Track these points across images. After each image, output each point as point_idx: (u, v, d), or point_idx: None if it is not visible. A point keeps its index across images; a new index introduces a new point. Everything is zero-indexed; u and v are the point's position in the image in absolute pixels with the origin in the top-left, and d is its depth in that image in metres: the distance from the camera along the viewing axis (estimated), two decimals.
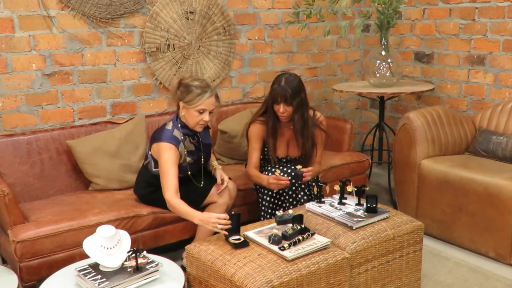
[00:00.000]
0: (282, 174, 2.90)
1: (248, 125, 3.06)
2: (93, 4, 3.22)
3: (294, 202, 2.95)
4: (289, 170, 2.93)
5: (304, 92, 2.94)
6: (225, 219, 2.33)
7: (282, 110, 2.87)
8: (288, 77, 2.90)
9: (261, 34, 4.06)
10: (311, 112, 3.02)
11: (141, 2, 3.39)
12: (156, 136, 2.76)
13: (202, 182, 2.89)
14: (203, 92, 2.65)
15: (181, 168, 2.75)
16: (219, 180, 2.89)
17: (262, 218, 2.96)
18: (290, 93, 2.83)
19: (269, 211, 2.96)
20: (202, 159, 2.87)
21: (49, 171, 3.05)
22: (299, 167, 2.86)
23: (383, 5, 3.63)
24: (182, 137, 2.73)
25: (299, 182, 2.90)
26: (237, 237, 2.32)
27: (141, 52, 3.50)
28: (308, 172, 2.84)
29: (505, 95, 3.75)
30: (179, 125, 2.75)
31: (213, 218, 2.36)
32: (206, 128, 2.94)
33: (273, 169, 2.96)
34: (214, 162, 3.03)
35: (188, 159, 2.78)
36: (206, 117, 2.69)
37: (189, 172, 2.80)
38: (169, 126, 2.75)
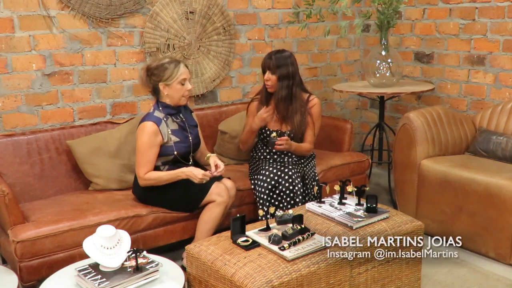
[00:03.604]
0: (276, 135, 3.05)
1: (249, 102, 3.31)
2: (93, 4, 3.22)
3: (292, 202, 2.96)
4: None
5: (294, 67, 3.11)
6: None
7: (267, 77, 3.08)
8: (279, 50, 3.15)
9: (261, 34, 4.06)
10: (305, 96, 3.19)
11: (141, 2, 3.39)
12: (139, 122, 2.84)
13: (191, 161, 2.93)
14: (177, 64, 2.79)
15: (167, 148, 2.79)
16: (212, 167, 2.86)
17: (258, 205, 2.98)
18: (274, 62, 3.05)
19: (265, 197, 2.98)
20: (191, 139, 2.90)
21: (49, 171, 3.05)
22: (273, 134, 3.01)
23: (383, 5, 3.63)
24: (164, 118, 2.81)
25: (271, 148, 3.05)
26: (244, 238, 2.32)
27: (141, 52, 3.50)
28: (282, 141, 2.96)
29: (505, 95, 3.75)
30: (160, 107, 2.83)
31: (200, 175, 2.69)
32: (189, 111, 3.01)
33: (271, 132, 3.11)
34: (207, 152, 3.06)
35: (173, 137, 2.82)
36: (188, 85, 2.82)
37: (175, 152, 2.82)
38: (151, 109, 2.85)
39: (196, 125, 3.02)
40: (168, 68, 2.76)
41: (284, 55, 3.09)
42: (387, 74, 3.84)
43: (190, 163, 2.92)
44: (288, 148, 3.03)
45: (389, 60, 3.81)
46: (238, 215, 2.37)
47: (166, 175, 2.77)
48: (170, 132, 2.81)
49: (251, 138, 3.22)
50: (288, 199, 2.96)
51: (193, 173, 2.72)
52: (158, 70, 2.77)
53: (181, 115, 2.91)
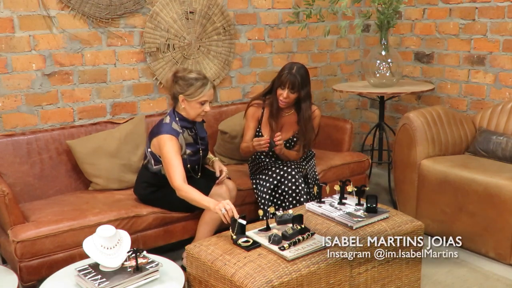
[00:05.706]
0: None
1: (247, 106, 3.24)
2: (93, 4, 3.22)
3: (294, 202, 2.96)
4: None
5: (310, 84, 3.09)
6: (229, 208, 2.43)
7: (286, 95, 3.00)
8: (299, 65, 3.05)
9: (261, 34, 4.06)
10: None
11: (141, 2, 3.39)
12: (155, 131, 2.79)
13: (199, 174, 2.91)
14: (204, 84, 2.72)
15: (182, 161, 2.76)
16: (217, 173, 2.91)
17: (260, 205, 2.99)
18: (299, 82, 2.98)
19: (267, 196, 2.98)
20: (201, 151, 2.89)
21: (49, 171, 3.05)
22: (267, 138, 2.93)
23: (383, 5, 3.63)
24: (180, 130, 2.77)
25: (272, 150, 3.02)
26: (245, 239, 2.32)
27: (141, 52, 3.50)
28: (278, 136, 2.92)
29: (505, 95, 3.75)
30: (177, 118, 2.78)
31: (219, 203, 2.46)
32: (201, 121, 2.97)
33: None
34: (210, 155, 3.06)
35: (187, 151, 2.81)
36: (207, 107, 2.77)
37: (188, 165, 2.81)
38: (167, 120, 2.79)
39: (206, 135, 2.99)
40: (194, 85, 2.70)
41: (305, 72, 3.03)
42: (387, 74, 3.84)
43: (198, 176, 2.91)
44: (280, 150, 2.98)
45: (389, 60, 3.81)
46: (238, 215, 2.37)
47: (196, 196, 2.59)
48: (185, 146, 2.80)
49: (251, 153, 3.21)
50: (291, 199, 2.96)
51: (222, 211, 2.46)
52: (184, 82, 2.71)
53: (195, 127, 2.88)
